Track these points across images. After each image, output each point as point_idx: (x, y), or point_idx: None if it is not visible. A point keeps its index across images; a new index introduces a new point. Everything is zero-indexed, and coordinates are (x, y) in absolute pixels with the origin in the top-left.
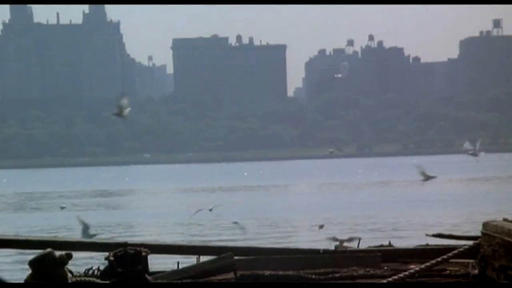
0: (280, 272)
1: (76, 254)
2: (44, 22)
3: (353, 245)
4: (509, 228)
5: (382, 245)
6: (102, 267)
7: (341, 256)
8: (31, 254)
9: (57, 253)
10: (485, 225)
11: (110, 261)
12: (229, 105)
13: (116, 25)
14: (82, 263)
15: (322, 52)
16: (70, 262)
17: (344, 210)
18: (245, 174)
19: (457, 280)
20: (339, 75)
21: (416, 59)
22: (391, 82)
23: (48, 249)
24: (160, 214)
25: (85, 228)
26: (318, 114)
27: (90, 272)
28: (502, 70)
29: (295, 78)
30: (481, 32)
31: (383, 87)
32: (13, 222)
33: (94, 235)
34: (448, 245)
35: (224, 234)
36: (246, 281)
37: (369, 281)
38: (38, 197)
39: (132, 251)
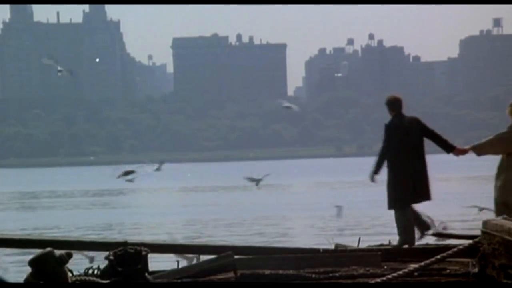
0: (280, 271)
1: (76, 253)
2: (44, 21)
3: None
4: (509, 227)
5: (382, 244)
6: (102, 267)
7: (341, 255)
8: (31, 253)
9: (57, 252)
10: (485, 223)
11: (110, 261)
12: (229, 104)
13: (116, 24)
14: (82, 262)
15: (322, 51)
16: (70, 261)
17: (344, 209)
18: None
19: (457, 279)
20: (339, 74)
21: (416, 58)
22: (391, 81)
23: (48, 248)
24: (161, 213)
25: None
26: (318, 113)
27: (90, 271)
28: (502, 69)
29: (295, 77)
30: (481, 31)
31: (383, 86)
32: (13, 222)
33: None
34: (447, 244)
35: (224, 233)
36: (247, 281)
37: (369, 280)
38: (39, 196)
39: (132, 251)
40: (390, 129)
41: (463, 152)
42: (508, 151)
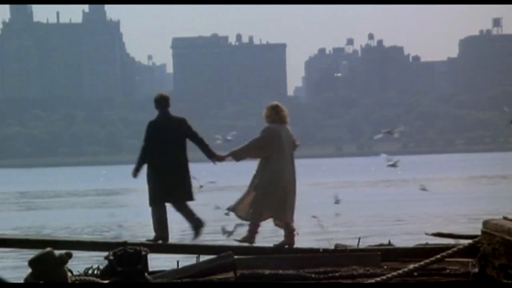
0: (280, 271)
1: (76, 253)
2: (44, 21)
3: None
4: (509, 227)
5: (382, 244)
6: (102, 266)
7: (341, 255)
8: (31, 253)
9: (57, 252)
10: (485, 223)
11: (109, 261)
12: (229, 104)
13: (116, 24)
14: (82, 262)
15: (322, 51)
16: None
17: (344, 209)
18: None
19: (457, 279)
20: (339, 74)
21: (416, 58)
22: (391, 81)
23: (48, 248)
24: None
25: None
26: (318, 113)
27: (90, 271)
28: (502, 69)
29: (295, 77)
30: (481, 31)
31: (383, 86)
32: (13, 221)
33: None
34: (447, 244)
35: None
36: (246, 281)
37: (369, 280)
38: (38, 196)
39: (132, 251)
40: (151, 126)
41: (222, 159)
42: (262, 156)
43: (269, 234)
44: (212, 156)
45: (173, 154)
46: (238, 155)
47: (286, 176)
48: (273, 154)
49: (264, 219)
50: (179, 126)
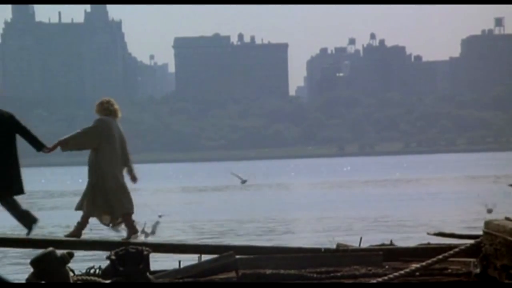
0: (282, 271)
1: (77, 253)
2: (46, 21)
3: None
4: (511, 228)
5: (383, 244)
6: (103, 266)
7: (342, 255)
8: (33, 253)
9: (59, 252)
10: (487, 224)
11: (111, 260)
12: (231, 104)
13: (118, 24)
14: (83, 261)
15: (323, 50)
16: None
17: (345, 209)
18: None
19: (459, 279)
20: (341, 74)
21: (418, 57)
22: (392, 81)
23: (50, 248)
24: (162, 212)
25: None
26: (320, 113)
27: (92, 271)
28: (504, 68)
29: (297, 76)
30: (483, 31)
31: (384, 86)
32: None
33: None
34: (449, 244)
35: (225, 233)
36: (248, 280)
37: (371, 280)
38: (40, 196)
39: (134, 250)
40: None
41: (52, 149)
42: (91, 146)
43: (273, 234)
44: (41, 147)
45: (3, 150)
46: (65, 145)
47: (114, 169)
48: (102, 146)
49: (96, 214)
50: (7, 121)
